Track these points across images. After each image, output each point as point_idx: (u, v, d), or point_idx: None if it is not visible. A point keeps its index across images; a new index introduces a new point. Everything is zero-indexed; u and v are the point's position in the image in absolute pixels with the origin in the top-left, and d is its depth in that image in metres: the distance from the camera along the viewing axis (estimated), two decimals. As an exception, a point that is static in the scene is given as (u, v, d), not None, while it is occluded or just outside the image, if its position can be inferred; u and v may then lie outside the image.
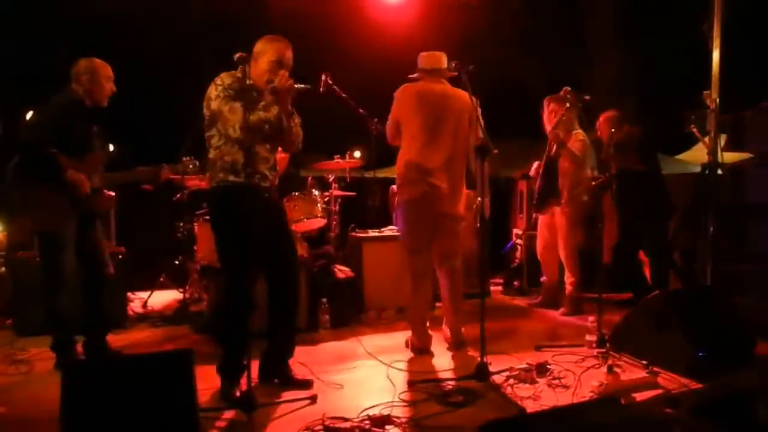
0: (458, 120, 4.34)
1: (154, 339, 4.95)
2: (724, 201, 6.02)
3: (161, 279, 6.42)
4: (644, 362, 3.80)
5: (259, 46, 3.60)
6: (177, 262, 6.35)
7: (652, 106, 9.44)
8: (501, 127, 4.61)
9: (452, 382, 3.73)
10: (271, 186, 3.67)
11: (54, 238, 3.95)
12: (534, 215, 6.22)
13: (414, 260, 4.43)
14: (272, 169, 3.67)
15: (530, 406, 3.33)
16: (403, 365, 4.16)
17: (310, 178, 5.88)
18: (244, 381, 3.20)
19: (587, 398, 3.41)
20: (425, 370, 4.08)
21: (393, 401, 3.42)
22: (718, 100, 5.21)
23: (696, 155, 8.82)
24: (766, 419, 2.75)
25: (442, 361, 4.30)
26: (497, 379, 3.72)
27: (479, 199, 4.11)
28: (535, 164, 6.02)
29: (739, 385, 3.35)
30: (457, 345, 4.52)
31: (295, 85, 3.49)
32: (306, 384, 3.68)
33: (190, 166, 4.43)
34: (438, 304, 4.88)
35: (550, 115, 5.66)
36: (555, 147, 5.60)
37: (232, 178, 3.46)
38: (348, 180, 6.33)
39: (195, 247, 5.80)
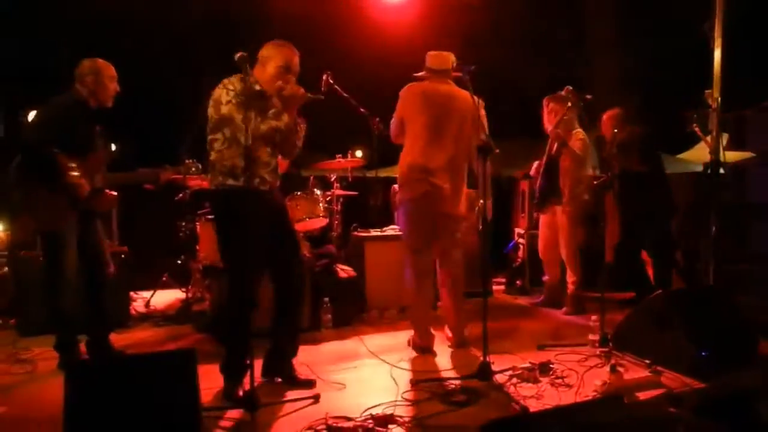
0: (462, 121, 4.34)
1: (157, 338, 4.95)
2: (727, 200, 6.02)
3: (164, 278, 6.42)
4: (647, 361, 3.81)
5: (266, 51, 3.61)
6: (179, 262, 6.35)
7: (653, 105, 9.45)
8: (502, 127, 4.61)
9: (455, 382, 3.73)
10: (271, 188, 3.67)
11: (56, 238, 3.95)
12: (535, 214, 6.23)
13: (416, 259, 4.43)
14: (273, 173, 3.67)
15: (533, 406, 3.32)
16: (405, 364, 4.16)
17: (311, 178, 5.88)
18: (247, 380, 3.20)
19: (590, 397, 3.41)
20: (428, 369, 4.08)
21: (396, 401, 3.42)
22: (719, 99, 5.20)
23: (698, 154, 8.82)
24: (769, 418, 2.75)
25: (445, 360, 4.30)
26: (500, 378, 3.71)
27: (481, 201, 4.11)
28: (536, 164, 6.03)
29: (741, 385, 3.35)
30: (459, 344, 4.52)
31: (307, 94, 3.50)
32: (309, 383, 3.68)
33: (193, 169, 4.43)
34: (440, 304, 4.88)
35: (550, 115, 5.66)
36: (556, 146, 5.61)
37: (231, 181, 3.46)
38: (350, 179, 6.33)
39: (197, 247, 5.80)
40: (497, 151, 4.06)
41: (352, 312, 5.40)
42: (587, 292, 5.65)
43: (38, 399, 3.57)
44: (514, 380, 3.68)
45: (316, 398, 3.46)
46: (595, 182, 5.36)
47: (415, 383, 3.74)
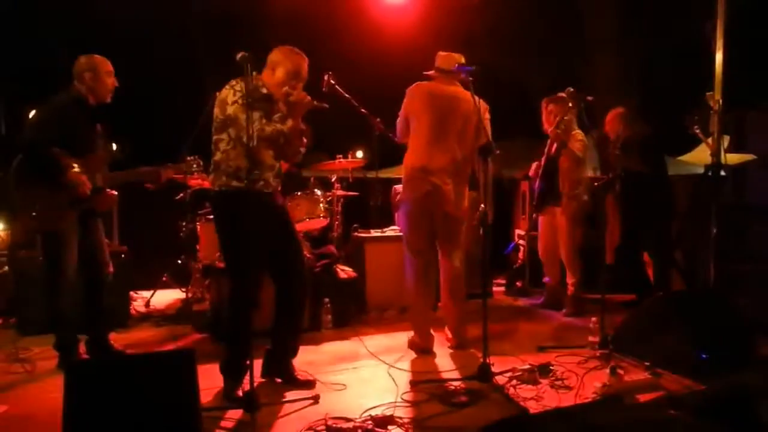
0: (466, 122, 4.34)
1: (157, 338, 4.95)
2: (727, 202, 6.01)
3: (164, 278, 6.42)
4: (647, 363, 3.80)
5: (275, 56, 3.62)
6: (179, 262, 6.36)
7: (653, 106, 9.45)
8: (502, 127, 4.61)
9: (455, 383, 3.73)
10: (273, 191, 3.68)
11: (56, 238, 3.95)
12: (534, 215, 6.22)
13: (416, 260, 4.43)
14: (277, 176, 3.68)
15: (533, 407, 3.33)
16: (405, 365, 4.16)
17: (312, 178, 5.88)
18: (246, 381, 3.20)
19: (590, 399, 3.41)
20: (428, 370, 4.08)
21: (396, 401, 3.42)
22: (720, 101, 5.20)
23: (699, 156, 8.81)
24: (770, 420, 2.75)
25: (445, 361, 4.30)
26: (500, 379, 3.71)
27: (482, 205, 4.11)
28: (534, 165, 6.03)
29: (741, 386, 3.34)
30: (459, 345, 4.52)
31: (313, 102, 3.52)
32: (309, 384, 3.69)
33: (194, 166, 4.43)
34: (440, 305, 4.88)
35: (549, 116, 5.66)
36: (555, 147, 5.61)
37: (234, 183, 3.46)
38: (350, 180, 6.33)
39: (197, 247, 5.81)
40: (498, 152, 4.06)
41: (352, 312, 5.40)
42: (588, 293, 5.64)
43: (38, 398, 3.57)
44: (514, 382, 3.68)
45: (316, 399, 3.46)
46: (596, 184, 5.37)
47: (414, 384, 3.74)
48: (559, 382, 3.68)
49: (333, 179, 6.08)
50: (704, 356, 3.76)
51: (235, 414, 3.26)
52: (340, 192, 6.06)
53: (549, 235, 5.84)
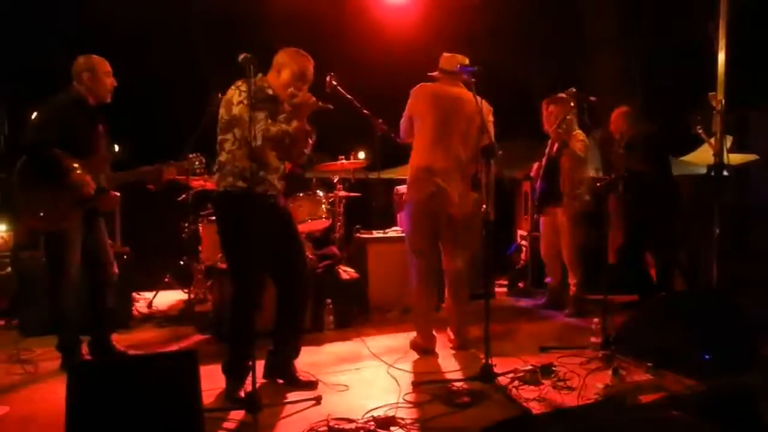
0: (469, 123, 4.34)
1: (159, 339, 4.95)
2: (730, 202, 6.01)
3: (166, 279, 6.43)
4: (649, 364, 3.80)
5: (281, 58, 3.64)
6: (182, 263, 6.36)
7: (654, 107, 9.43)
8: (503, 128, 4.61)
9: (457, 384, 3.72)
10: (277, 193, 3.69)
11: (59, 238, 3.95)
12: (535, 216, 6.22)
13: (419, 261, 4.43)
14: (281, 178, 3.69)
15: (535, 408, 3.32)
16: (407, 366, 4.16)
17: (314, 179, 5.88)
18: (249, 381, 3.20)
19: (592, 400, 3.40)
20: (430, 371, 4.08)
21: (398, 402, 3.41)
22: (723, 101, 5.19)
23: (701, 156, 8.81)
24: (772, 421, 2.74)
25: (447, 362, 4.29)
26: (502, 380, 3.71)
27: (484, 206, 4.11)
28: (535, 165, 6.02)
29: (744, 387, 3.34)
30: (461, 346, 4.52)
31: (318, 103, 3.53)
32: (311, 385, 3.68)
33: (196, 163, 4.42)
34: (442, 305, 4.88)
35: (549, 117, 5.66)
36: (556, 147, 5.60)
37: (240, 183, 3.47)
38: (352, 181, 6.33)
39: (200, 248, 5.82)
40: (500, 152, 4.06)
41: (354, 313, 5.39)
42: (590, 294, 5.64)
43: (40, 399, 3.57)
44: (516, 382, 3.67)
45: (318, 400, 3.46)
46: (598, 184, 5.36)
47: (417, 385, 3.73)
48: (561, 383, 3.67)
49: (335, 180, 6.09)
50: (707, 357, 3.75)
51: (237, 415, 3.25)
52: (342, 193, 6.06)
53: (550, 235, 5.83)
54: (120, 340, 4.55)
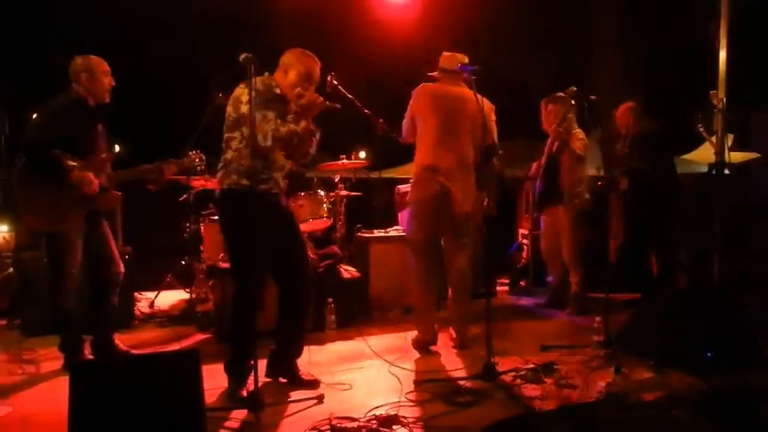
0: (472, 123, 4.34)
1: (161, 339, 4.96)
2: (731, 200, 6.00)
3: (168, 279, 6.43)
4: (651, 362, 3.80)
5: (287, 59, 3.66)
6: (183, 263, 6.37)
7: (655, 106, 9.43)
8: (503, 127, 4.61)
9: (459, 382, 3.73)
10: (280, 191, 3.70)
11: (61, 238, 3.96)
12: (536, 215, 6.22)
13: (420, 260, 4.43)
14: (285, 177, 3.71)
15: (537, 406, 3.32)
16: (409, 365, 4.16)
17: (315, 179, 5.89)
18: (251, 381, 3.20)
19: (594, 398, 3.40)
20: (432, 369, 4.08)
21: (400, 401, 3.42)
22: (725, 99, 5.19)
23: (703, 155, 8.81)
24: (774, 419, 2.74)
25: (449, 360, 4.30)
26: (504, 379, 3.71)
27: (486, 200, 4.12)
28: (535, 164, 6.02)
29: (745, 385, 3.34)
30: (463, 345, 4.52)
31: (326, 103, 3.55)
32: (313, 384, 3.69)
33: (197, 161, 4.43)
34: (447, 304, 4.88)
35: (548, 117, 5.66)
36: (556, 146, 5.60)
37: (244, 181, 3.47)
38: (353, 180, 6.34)
39: (201, 247, 5.82)
40: (501, 152, 4.07)
41: (355, 313, 5.39)
42: (591, 292, 5.63)
43: (43, 399, 3.58)
44: (519, 381, 3.68)
45: (320, 399, 3.46)
46: (599, 183, 5.36)
47: (419, 384, 3.74)
48: (563, 381, 3.67)
49: (336, 180, 6.09)
50: (709, 355, 3.75)
51: (239, 414, 3.26)
52: (343, 192, 6.07)
53: (551, 234, 5.83)
54: (122, 340, 4.55)
